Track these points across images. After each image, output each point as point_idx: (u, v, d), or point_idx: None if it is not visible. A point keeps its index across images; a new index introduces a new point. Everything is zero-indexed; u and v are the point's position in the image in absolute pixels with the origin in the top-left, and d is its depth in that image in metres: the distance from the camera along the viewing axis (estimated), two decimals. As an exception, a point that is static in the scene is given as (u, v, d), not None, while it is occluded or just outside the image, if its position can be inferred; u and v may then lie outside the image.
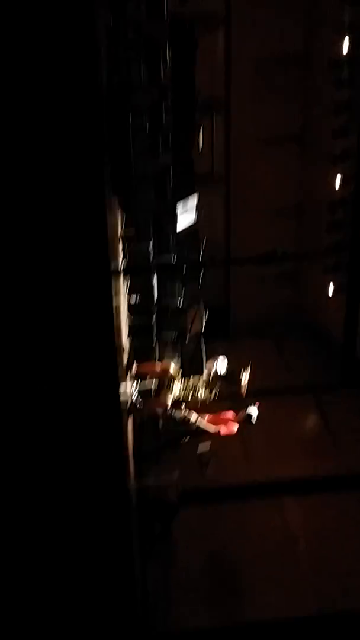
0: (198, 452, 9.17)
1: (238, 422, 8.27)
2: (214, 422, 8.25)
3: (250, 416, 8.25)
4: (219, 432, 8.28)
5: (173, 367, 8.50)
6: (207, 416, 8.23)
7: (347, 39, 12.86)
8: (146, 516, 9.12)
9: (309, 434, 13.01)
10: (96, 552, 6.34)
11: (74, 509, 6.17)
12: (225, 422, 8.26)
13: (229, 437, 8.38)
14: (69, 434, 6.09)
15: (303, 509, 11.01)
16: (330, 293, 14.51)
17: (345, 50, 12.90)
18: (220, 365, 8.37)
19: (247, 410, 8.22)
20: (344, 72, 13.13)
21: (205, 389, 8.28)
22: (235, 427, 8.29)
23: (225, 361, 8.43)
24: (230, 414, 8.33)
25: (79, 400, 6.07)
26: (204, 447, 9.37)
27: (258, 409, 8.28)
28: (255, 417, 8.25)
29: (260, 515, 10.83)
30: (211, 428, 8.21)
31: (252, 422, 8.28)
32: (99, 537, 6.33)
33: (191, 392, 8.28)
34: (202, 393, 8.26)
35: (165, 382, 8.37)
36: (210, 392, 8.25)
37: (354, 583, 9.71)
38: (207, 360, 8.26)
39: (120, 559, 6.56)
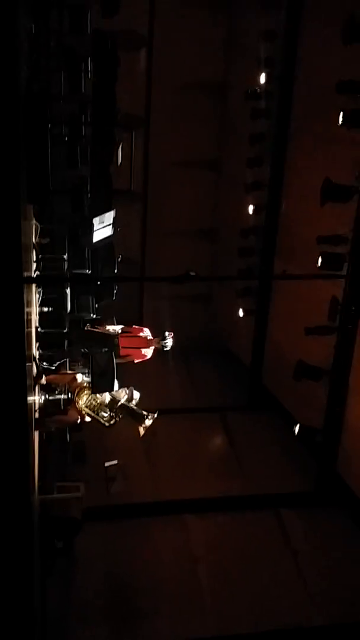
0: (105, 466, 9.09)
1: (152, 347, 8.18)
2: (127, 344, 8.12)
3: (164, 346, 8.18)
4: (133, 360, 8.19)
5: (81, 378, 8.41)
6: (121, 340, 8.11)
7: (263, 73, 13.37)
8: (48, 532, 8.91)
9: (215, 453, 13.15)
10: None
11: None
12: (139, 346, 8.15)
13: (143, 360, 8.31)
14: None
15: (207, 528, 11.05)
16: (240, 316, 14.84)
17: (262, 82, 13.37)
18: (131, 396, 8.32)
19: (163, 341, 8.14)
20: (260, 103, 13.61)
21: (108, 413, 8.21)
22: (149, 353, 8.22)
23: (137, 395, 8.38)
24: (146, 333, 8.24)
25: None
26: (110, 462, 9.31)
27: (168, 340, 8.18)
28: (169, 348, 8.18)
29: (164, 533, 10.80)
30: (125, 358, 8.11)
31: (164, 350, 8.21)
32: (-2, 551, 6.13)
33: (95, 407, 8.20)
34: (103, 413, 8.20)
35: (75, 393, 8.25)
36: (110, 418, 8.19)
37: (256, 604, 9.79)
38: (119, 385, 8.19)
39: (19, 575, 6.36)
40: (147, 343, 8.22)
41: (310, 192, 10.69)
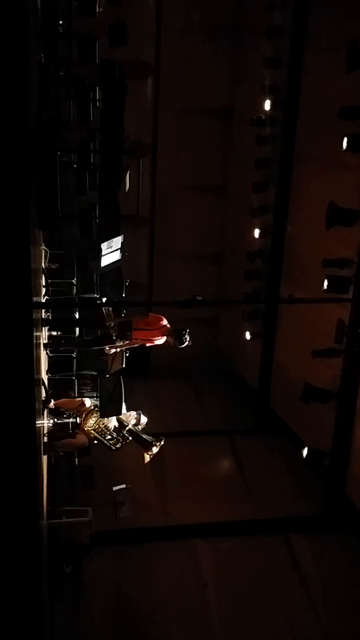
0: (113, 490, 9.08)
1: (166, 338, 8.07)
2: (143, 334, 8.05)
3: (181, 343, 7.99)
4: (144, 345, 8.15)
5: (89, 402, 8.46)
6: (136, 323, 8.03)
7: (268, 99, 13.58)
8: (57, 556, 8.88)
9: (223, 477, 13.10)
10: (3, 591, 6.11)
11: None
12: (153, 336, 8.06)
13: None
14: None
15: (215, 552, 10.97)
16: (247, 339, 14.89)
17: (267, 108, 13.57)
18: (138, 420, 8.34)
19: (179, 339, 7.96)
20: (266, 129, 13.81)
21: (115, 437, 8.23)
22: (161, 341, 8.10)
23: (144, 419, 8.39)
24: (163, 324, 8.08)
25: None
26: (119, 487, 9.31)
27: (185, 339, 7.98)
28: (185, 346, 7.99)
29: (172, 558, 10.73)
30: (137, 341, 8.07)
31: (179, 347, 8.00)
32: (7, 576, 6.11)
33: (101, 430, 8.22)
34: (109, 438, 8.21)
35: (82, 417, 8.30)
36: (117, 442, 8.20)
37: (265, 628, 9.70)
38: (127, 408, 8.19)
39: (27, 599, 6.34)
40: (162, 333, 8.13)
41: (316, 216, 10.79)
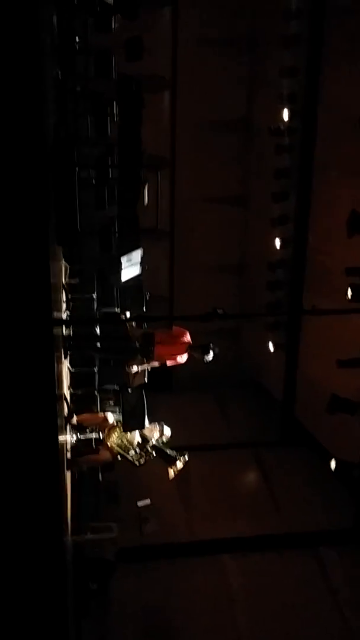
0: (138, 506, 8.99)
1: (190, 353, 8.01)
2: (165, 348, 7.99)
3: (205, 358, 7.92)
4: (165, 364, 8.11)
5: (112, 418, 8.41)
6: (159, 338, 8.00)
7: (286, 109, 13.54)
8: (82, 573, 8.81)
9: (250, 491, 12.95)
10: (29, 609, 6.07)
11: (6, 563, 5.91)
12: (176, 352, 8.00)
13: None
14: (3, 486, 5.88)
15: (243, 568, 10.82)
16: (270, 351, 14.75)
17: (285, 118, 13.53)
18: (161, 432, 8.27)
19: (205, 355, 7.89)
20: (284, 139, 13.75)
21: (138, 452, 8.16)
22: (184, 358, 8.06)
23: (168, 432, 8.31)
24: (187, 339, 8.04)
25: (16, 451, 5.90)
26: (143, 502, 9.22)
27: (214, 351, 7.93)
28: (210, 359, 7.91)
29: (199, 574, 10.60)
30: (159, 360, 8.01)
31: (204, 361, 7.94)
32: (33, 593, 6.07)
33: (125, 446, 8.16)
34: (133, 453, 8.15)
35: (105, 433, 8.25)
36: (140, 457, 8.13)
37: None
38: (150, 422, 8.13)
39: (54, 617, 6.29)
40: (184, 350, 8.08)
41: (337, 225, 10.68)
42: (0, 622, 5.93)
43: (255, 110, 15.24)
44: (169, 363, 8.18)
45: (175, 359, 8.11)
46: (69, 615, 7.01)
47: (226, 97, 14.89)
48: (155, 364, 8.29)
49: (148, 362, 8.26)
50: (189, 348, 8.05)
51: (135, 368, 8.33)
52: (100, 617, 9.45)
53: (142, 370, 8.71)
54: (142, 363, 8.28)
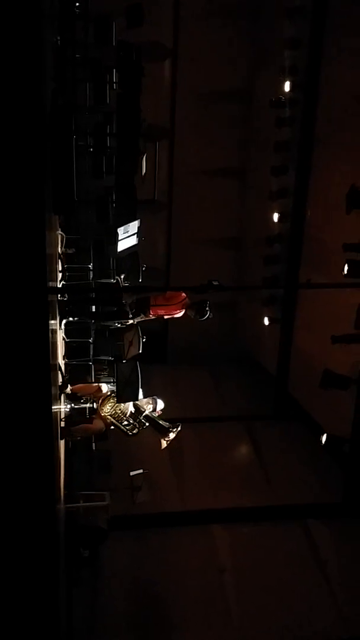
0: (130, 475, 9.08)
1: (186, 311, 8.09)
2: (162, 310, 8.10)
3: (201, 317, 8.00)
4: (162, 317, 8.21)
5: (106, 388, 8.44)
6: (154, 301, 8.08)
7: (288, 81, 13.37)
8: (74, 541, 8.92)
9: (241, 463, 13.06)
10: (20, 576, 6.15)
11: (-1, 530, 5.98)
12: (173, 311, 8.10)
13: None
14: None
15: (233, 538, 10.95)
16: (265, 325, 14.77)
17: (287, 90, 13.37)
18: (155, 406, 8.31)
19: (201, 311, 7.96)
20: (285, 111, 13.60)
21: (131, 423, 8.21)
22: (180, 314, 8.15)
23: (161, 405, 8.36)
24: (182, 296, 8.10)
25: (10, 419, 5.93)
26: (136, 472, 9.31)
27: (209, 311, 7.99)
28: (206, 317, 7.99)
29: (190, 544, 10.73)
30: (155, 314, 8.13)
31: (200, 319, 8.02)
32: (24, 560, 6.14)
33: (118, 416, 8.21)
34: (126, 423, 8.20)
35: (99, 403, 8.29)
36: (133, 427, 8.18)
37: (283, 616, 9.67)
38: (144, 393, 8.17)
39: (45, 584, 6.36)
40: (181, 307, 8.12)
41: (336, 200, 10.62)
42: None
43: (257, 81, 15.05)
44: (165, 316, 8.22)
45: (172, 315, 8.18)
46: (60, 581, 7.11)
47: (227, 68, 14.69)
48: (151, 316, 8.32)
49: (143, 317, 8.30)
50: (185, 306, 8.09)
51: (130, 321, 8.36)
52: (90, 585, 9.58)
53: (136, 340, 8.73)
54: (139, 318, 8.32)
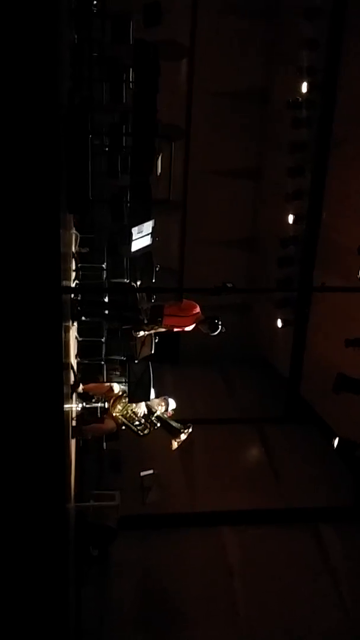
0: (141, 475, 9.07)
1: (197, 325, 8.01)
2: (174, 322, 8.00)
3: (212, 333, 7.92)
4: (172, 330, 8.14)
5: (118, 388, 8.43)
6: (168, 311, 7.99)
7: (305, 82, 13.30)
8: (84, 540, 8.92)
9: (252, 465, 13.02)
10: (30, 574, 6.15)
11: (10, 528, 5.98)
12: (185, 324, 8.00)
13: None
14: (8, 452, 5.92)
15: (243, 541, 10.93)
16: (278, 327, 14.71)
17: (304, 91, 13.30)
18: (167, 407, 8.28)
19: (212, 327, 7.89)
20: (302, 112, 13.54)
21: (142, 423, 8.19)
22: (191, 327, 8.04)
23: (173, 405, 8.32)
24: (195, 312, 7.99)
25: (21, 418, 5.93)
26: (146, 472, 9.30)
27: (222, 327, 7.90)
28: (217, 333, 7.89)
29: (199, 545, 10.71)
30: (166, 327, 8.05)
31: (211, 334, 7.92)
32: (34, 558, 6.14)
33: (129, 416, 8.20)
34: (137, 423, 8.19)
35: (111, 403, 8.29)
36: (144, 428, 8.16)
37: (291, 619, 9.65)
38: (155, 393, 8.15)
39: (54, 582, 6.36)
40: (193, 321, 8.04)
41: (352, 202, 10.56)
42: (2, 589, 6.01)
43: (274, 82, 14.98)
44: (175, 329, 8.19)
45: (182, 328, 8.13)
46: (69, 580, 7.11)
47: (244, 68, 14.62)
48: (162, 329, 8.29)
49: (155, 328, 8.25)
50: (197, 320, 8.03)
51: (141, 333, 8.33)
52: (99, 584, 9.59)
53: (149, 340, 8.71)
54: (149, 329, 8.27)
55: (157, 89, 8.55)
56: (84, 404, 8.66)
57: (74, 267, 8.91)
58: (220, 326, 7.85)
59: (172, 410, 8.35)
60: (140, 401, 8.11)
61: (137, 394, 8.09)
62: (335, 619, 9.69)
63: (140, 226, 9.08)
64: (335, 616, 9.72)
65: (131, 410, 8.27)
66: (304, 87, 13.36)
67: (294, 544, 10.97)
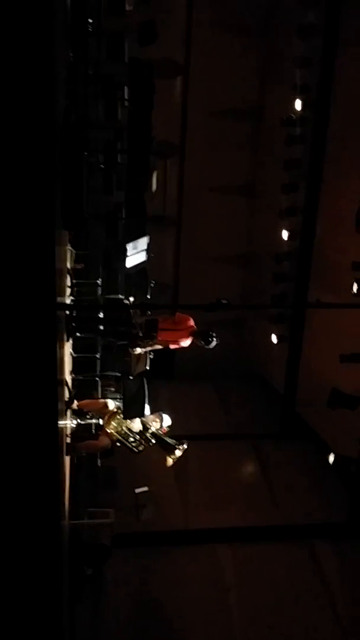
0: (136, 492, 9.01)
1: (191, 339, 8.04)
2: (169, 335, 8.03)
3: (206, 345, 7.96)
4: (168, 346, 8.13)
5: (113, 404, 8.41)
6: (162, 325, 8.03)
7: (299, 99, 13.43)
8: (78, 558, 8.84)
9: (247, 482, 12.96)
10: (23, 591, 6.09)
11: (3, 546, 5.92)
12: (179, 337, 8.03)
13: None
14: (1, 469, 5.89)
15: (238, 558, 10.85)
16: (273, 343, 14.72)
17: (298, 108, 13.42)
18: (162, 423, 8.27)
19: (206, 340, 7.94)
20: (296, 129, 13.65)
21: (137, 439, 8.16)
22: (187, 343, 8.08)
23: (168, 421, 8.31)
24: (190, 324, 8.07)
25: (16, 434, 5.90)
26: (141, 489, 9.24)
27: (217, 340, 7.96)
28: (212, 347, 7.95)
29: (194, 562, 10.63)
30: (162, 344, 8.06)
31: (206, 347, 7.98)
32: (27, 576, 6.08)
33: (124, 432, 8.17)
34: (132, 440, 8.16)
35: (105, 419, 8.26)
36: (139, 444, 8.14)
37: (287, 636, 9.56)
38: (150, 409, 8.13)
39: (48, 601, 6.30)
40: (187, 335, 8.07)
41: (346, 218, 10.61)
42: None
43: (268, 99, 15.12)
44: (171, 346, 8.19)
45: (178, 343, 8.13)
46: (63, 598, 7.04)
47: (238, 85, 14.79)
48: (158, 346, 8.29)
49: (151, 345, 8.25)
50: (192, 333, 8.05)
51: (138, 350, 8.33)
52: (93, 602, 9.49)
53: (144, 356, 8.70)
54: (145, 346, 8.27)
55: (153, 105, 8.60)
56: (79, 420, 8.63)
57: (69, 283, 8.92)
58: (215, 339, 7.87)
59: (167, 426, 8.33)
60: (135, 417, 8.09)
61: (131, 410, 8.07)
62: (331, 635, 9.61)
63: (135, 242, 9.11)
64: (330, 632, 9.64)
65: (126, 426, 8.24)
66: (298, 105, 13.49)
67: (289, 560, 10.90)
